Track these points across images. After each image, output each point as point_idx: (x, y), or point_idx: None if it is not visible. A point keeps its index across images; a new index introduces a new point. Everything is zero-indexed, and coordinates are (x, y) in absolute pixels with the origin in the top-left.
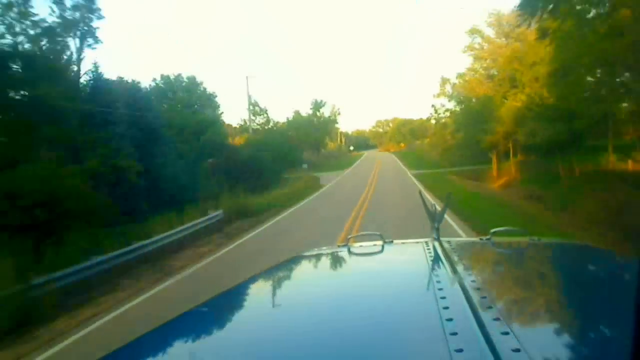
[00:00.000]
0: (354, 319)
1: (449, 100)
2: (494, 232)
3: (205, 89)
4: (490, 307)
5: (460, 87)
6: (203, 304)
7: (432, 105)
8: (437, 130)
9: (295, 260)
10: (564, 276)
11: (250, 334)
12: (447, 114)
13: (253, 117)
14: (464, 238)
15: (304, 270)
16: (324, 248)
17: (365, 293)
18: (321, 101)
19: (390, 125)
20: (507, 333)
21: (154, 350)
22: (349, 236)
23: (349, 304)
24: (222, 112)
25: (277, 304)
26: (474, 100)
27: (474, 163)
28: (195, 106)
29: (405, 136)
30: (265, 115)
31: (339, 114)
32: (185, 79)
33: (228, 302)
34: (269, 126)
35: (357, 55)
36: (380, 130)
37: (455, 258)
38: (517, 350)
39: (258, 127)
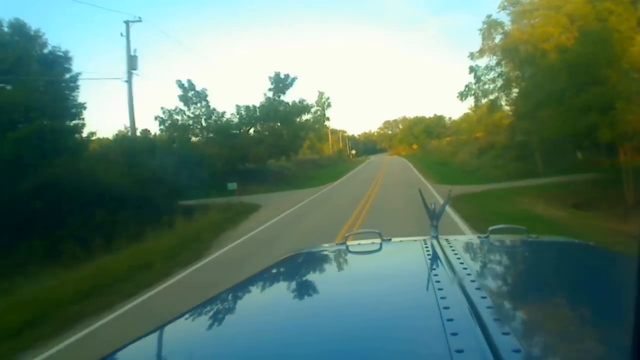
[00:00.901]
0: (353, 319)
1: (499, 63)
2: (492, 230)
3: (46, 44)
4: (490, 307)
5: (526, 33)
6: (202, 303)
7: (471, 70)
8: (477, 119)
9: (293, 258)
10: (564, 275)
11: (249, 333)
12: (499, 83)
13: (183, 108)
14: (462, 236)
15: (301, 268)
16: (322, 246)
17: (364, 292)
18: (286, 76)
19: (400, 126)
20: (507, 333)
21: (154, 350)
22: (348, 234)
23: (347, 303)
24: (79, 88)
25: (275, 303)
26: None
27: (548, 172)
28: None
29: (417, 137)
30: (204, 103)
31: (328, 105)
32: (5, 27)
33: (226, 301)
34: (211, 120)
35: (358, 51)
36: (389, 132)
37: (455, 257)
38: (518, 350)
39: (188, 121)
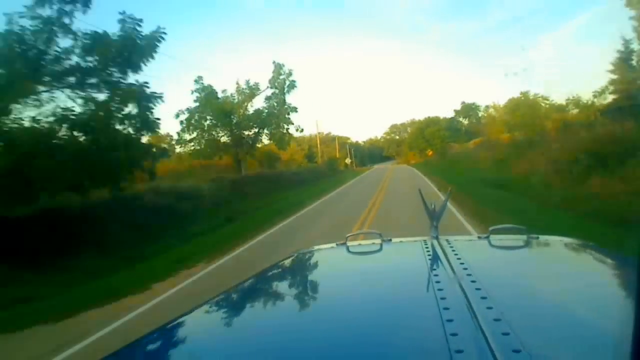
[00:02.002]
0: (353, 318)
1: None
2: (493, 230)
3: None
4: (490, 308)
5: None
6: (202, 303)
7: None
8: None
9: (293, 258)
10: (564, 275)
11: (250, 333)
12: None
13: None
14: (463, 236)
15: (302, 268)
16: (323, 246)
17: (364, 292)
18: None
19: (409, 130)
20: (507, 334)
21: (154, 351)
22: (348, 234)
23: (347, 304)
24: None
25: (275, 303)
26: None
27: None
28: None
29: (430, 141)
30: None
31: (292, 87)
32: None
33: (227, 301)
34: None
35: (361, 57)
36: (397, 137)
37: (455, 257)
38: (518, 350)
39: None
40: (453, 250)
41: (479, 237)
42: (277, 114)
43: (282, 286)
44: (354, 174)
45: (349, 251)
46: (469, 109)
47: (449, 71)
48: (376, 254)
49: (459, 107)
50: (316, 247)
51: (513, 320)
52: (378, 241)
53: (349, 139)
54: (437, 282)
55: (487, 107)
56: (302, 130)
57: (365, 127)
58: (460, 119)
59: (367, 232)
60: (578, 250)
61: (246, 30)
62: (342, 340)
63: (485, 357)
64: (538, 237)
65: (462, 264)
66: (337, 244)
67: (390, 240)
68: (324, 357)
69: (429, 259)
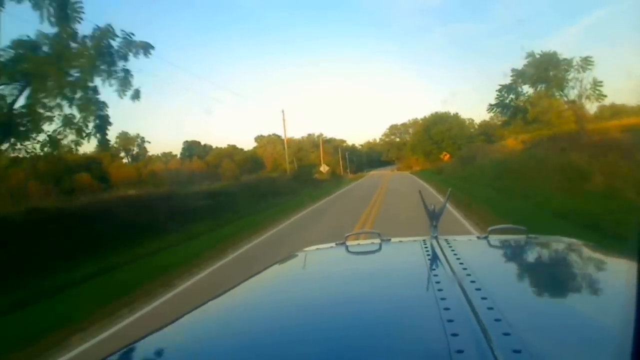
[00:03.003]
0: (353, 319)
1: None
2: (492, 230)
3: None
4: (490, 308)
5: None
6: (202, 304)
7: None
8: None
9: (292, 258)
10: (564, 275)
11: (249, 332)
12: None
13: None
14: (462, 236)
15: (301, 268)
16: (322, 245)
17: (363, 292)
18: None
19: (410, 131)
20: (508, 334)
21: (155, 351)
22: (347, 234)
23: (347, 303)
24: None
25: (275, 302)
26: None
27: None
28: None
29: (438, 142)
30: None
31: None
32: None
33: (227, 301)
34: None
35: (361, 59)
36: (397, 139)
37: (454, 257)
38: (518, 351)
39: None
40: (452, 250)
41: (478, 237)
42: (77, 52)
43: (281, 285)
44: (330, 188)
45: (348, 251)
46: (547, 62)
47: (451, 72)
48: (375, 253)
49: (521, 64)
50: (315, 247)
51: (513, 320)
52: (377, 241)
53: (344, 141)
54: (437, 282)
55: (586, 58)
56: (137, 97)
57: (363, 130)
58: (525, 88)
59: (367, 231)
60: (578, 250)
61: (239, 33)
62: (341, 341)
63: (486, 358)
64: (537, 237)
65: (461, 264)
66: (336, 244)
67: (390, 240)
68: (324, 357)
69: (429, 259)
